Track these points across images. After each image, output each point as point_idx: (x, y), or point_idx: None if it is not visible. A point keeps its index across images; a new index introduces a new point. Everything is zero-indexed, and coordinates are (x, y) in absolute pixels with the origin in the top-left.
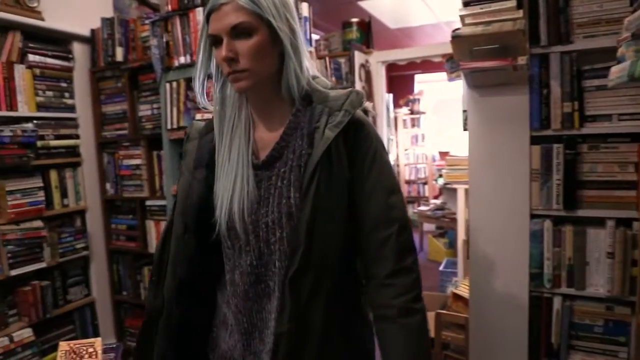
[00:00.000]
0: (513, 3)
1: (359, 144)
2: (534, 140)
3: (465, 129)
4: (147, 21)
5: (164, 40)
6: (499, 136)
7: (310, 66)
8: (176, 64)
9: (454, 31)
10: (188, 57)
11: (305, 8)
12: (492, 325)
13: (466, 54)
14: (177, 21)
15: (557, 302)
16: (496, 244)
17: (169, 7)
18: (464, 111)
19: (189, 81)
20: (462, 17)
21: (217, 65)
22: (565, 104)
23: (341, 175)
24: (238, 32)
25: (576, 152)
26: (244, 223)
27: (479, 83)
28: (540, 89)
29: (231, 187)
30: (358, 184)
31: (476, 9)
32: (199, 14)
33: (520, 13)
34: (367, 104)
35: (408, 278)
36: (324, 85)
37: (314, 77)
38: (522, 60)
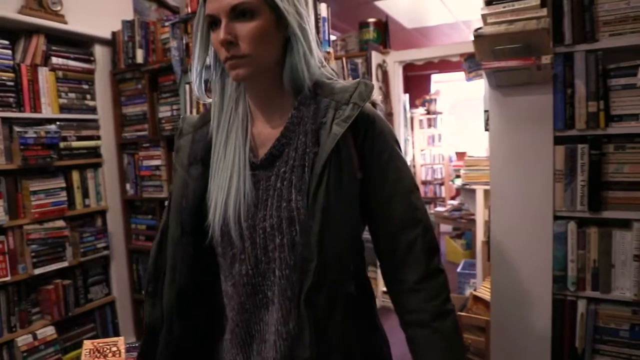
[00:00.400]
0: (537, 1)
1: (372, 140)
2: (558, 141)
3: (486, 129)
4: (167, 23)
5: (184, 42)
6: (521, 136)
7: (318, 54)
8: None
9: (476, 30)
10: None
11: (323, 9)
12: (514, 328)
13: (488, 54)
14: None
15: (581, 306)
16: (518, 246)
17: (189, 9)
18: (486, 111)
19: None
20: (484, 16)
21: (215, 52)
22: (591, 104)
23: (352, 175)
24: (239, 12)
25: (601, 152)
26: (239, 228)
27: (501, 83)
28: (565, 88)
29: (226, 188)
30: (374, 185)
31: (499, 8)
32: None
33: (544, 11)
34: (376, 97)
35: (438, 280)
36: (329, 75)
37: (323, 66)
38: (546, 59)
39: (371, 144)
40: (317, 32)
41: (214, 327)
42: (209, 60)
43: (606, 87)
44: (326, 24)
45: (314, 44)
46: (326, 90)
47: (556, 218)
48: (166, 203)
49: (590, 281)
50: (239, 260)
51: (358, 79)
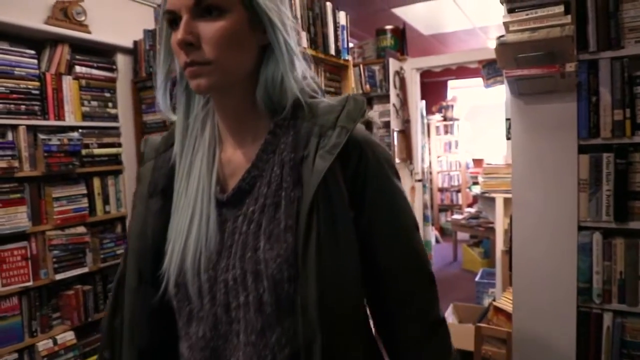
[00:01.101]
0: (561, 9)
1: (364, 171)
2: (582, 149)
3: (508, 138)
4: None
5: None
6: (544, 145)
7: (301, 67)
8: None
9: (498, 38)
10: None
11: (342, 17)
12: (536, 341)
13: (511, 61)
14: None
15: (607, 319)
16: (541, 257)
17: None
18: (507, 119)
19: None
20: (506, 24)
21: None
22: (616, 112)
23: (346, 218)
24: (204, 8)
25: (627, 161)
26: (198, 280)
27: (524, 91)
28: (589, 96)
29: (185, 230)
30: (367, 225)
31: (522, 16)
32: None
33: (568, 18)
34: (371, 114)
35: (441, 333)
36: (311, 92)
37: (305, 78)
38: (570, 67)
39: (364, 176)
40: (336, 40)
41: None
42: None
43: (632, 94)
44: (345, 32)
45: (297, 54)
46: (308, 112)
47: (581, 228)
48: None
49: (616, 294)
50: (196, 319)
51: (347, 95)
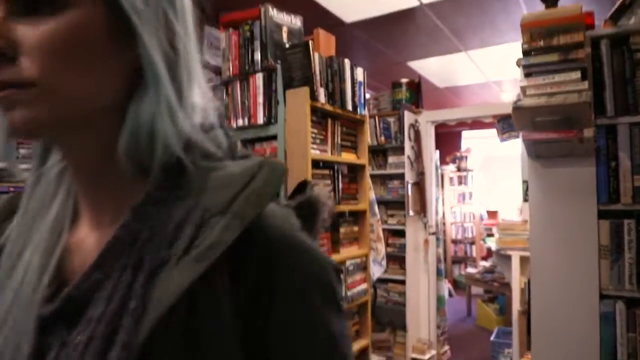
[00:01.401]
0: (577, 74)
1: (270, 295)
2: (602, 215)
3: (525, 200)
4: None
5: (224, 102)
6: (563, 209)
7: (202, 103)
8: (234, 125)
9: (515, 102)
10: (246, 119)
11: (360, 73)
12: None
13: (528, 125)
14: (237, 85)
15: None
16: (562, 325)
17: (230, 72)
18: (524, 181)
19: (244, 142)
20: (523, 88)
21: None
22: (636, 177)
23: None
24: (29, 1)
25: None
26: None
27: (541, 154)
28: (608, 160)
29: None
30: None
31: (539, 80)
32: (259, 78)
33: (585, 85)
34: (318, 190)
35: None
36: (209, 148)
37: (208, 129)
38: (588, 132)
39: (268, 302)
40: (353, 95)
41: None
42: None
43: None
44: (362, 88)
45: (189, 85)
46: (194, 181)
47: (602, 297)
48: None
49: None
50: None
51: (260, 159)
